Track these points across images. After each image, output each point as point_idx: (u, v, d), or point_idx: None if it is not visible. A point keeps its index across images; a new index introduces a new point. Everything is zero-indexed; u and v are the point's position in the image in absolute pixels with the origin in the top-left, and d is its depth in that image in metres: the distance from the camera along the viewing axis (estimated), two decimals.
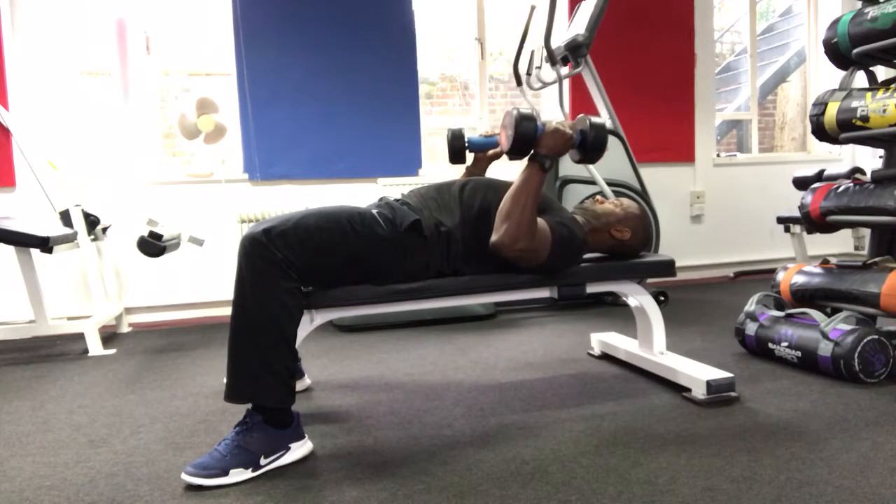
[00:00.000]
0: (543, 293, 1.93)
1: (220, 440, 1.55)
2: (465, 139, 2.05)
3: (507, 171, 3.24)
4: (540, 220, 1.77)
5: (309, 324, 1.73)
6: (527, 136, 1.71)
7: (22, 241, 2.67)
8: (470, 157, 2.13)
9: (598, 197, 2.11)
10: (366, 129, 3.80)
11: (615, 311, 3.28)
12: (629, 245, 2.02)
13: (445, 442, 1.65)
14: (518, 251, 1.73)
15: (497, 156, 2.12)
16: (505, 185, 1.91)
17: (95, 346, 2.82)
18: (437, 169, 4.11)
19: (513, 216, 1.70)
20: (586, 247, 1.94)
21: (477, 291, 1.86)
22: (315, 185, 3.76)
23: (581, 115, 1.85)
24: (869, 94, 2.17)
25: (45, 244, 2.67)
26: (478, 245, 1.79)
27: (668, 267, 2.04)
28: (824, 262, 2.41)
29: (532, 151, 1.76)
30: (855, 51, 2.25)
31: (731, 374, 1.89)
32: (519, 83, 3.57)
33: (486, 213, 1.81)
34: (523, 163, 1.80)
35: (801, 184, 3.28)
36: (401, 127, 3.87)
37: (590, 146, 1.80)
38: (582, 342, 2.65)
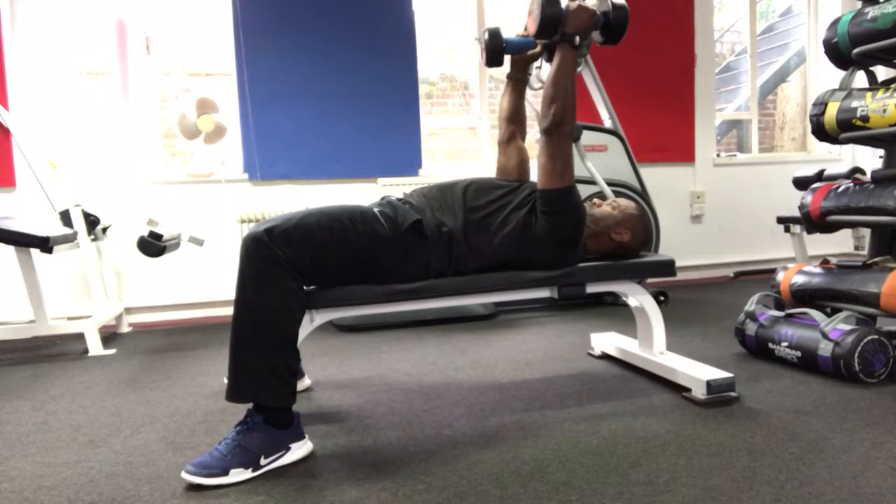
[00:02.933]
0: (543, 293, 1.93)
1: (220, 440, 1.55)
2: (503, 40, 2.02)
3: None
4: None
5: (309, 324, 1.72)
6: (552, 17, 1.77)
7: (22, 241, 2.67)
8: (507, 62, 2.10)
9: (596, 199, 2.10)
10: (366, 129, 3.80)
11: (615, 311, 3.28)
12: (629, 246, 2.02)
13: (445, 442, 1.65)
14: (563, 136, 1.78)
15: (535, 56, 2.09)
16: (508, 186, 1.91)
17: (95, 346, 2.82)
18: (437, 169, 4.12)
19: (558, 97, 1.77)
20: (584, 246, 1.94)
21: (477, 291, 1.85)
22: (315, 185, 3.76)
23: None
24: (869, 94, 2.17)
25: (45, 244, 2.67)
26: (480, 246, 1.79)
27: (668, 267, 2.04)
28: (824, 262, 2.41)
29: (559, 35, 1.79)
30: (855, 51, 2.25)
31: (731, 374, 1.89)
32: None
33: (489, 215, 1.81)
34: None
35: (801, 184, 3.28)
36: (401, 127, 3.87)
37: (612, 25, 1.85)
38: (582, 342, 2.65)
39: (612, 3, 1.85)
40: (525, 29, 1.99)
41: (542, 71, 3.45)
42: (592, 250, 2.00)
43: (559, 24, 1.78)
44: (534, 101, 3.83)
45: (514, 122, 2.16)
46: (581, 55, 1.84)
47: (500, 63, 2.06)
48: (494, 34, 2.00)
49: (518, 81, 2.16)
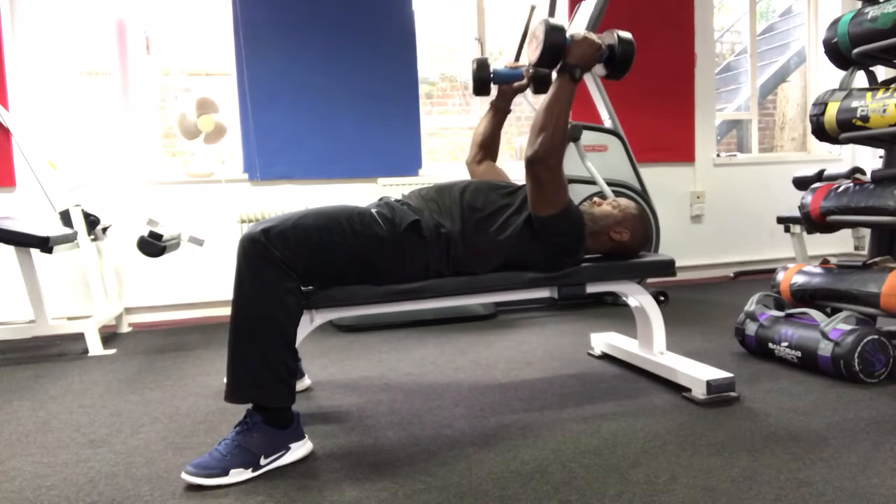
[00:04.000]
0: (543, 293, 1.93)
1: (220, 440, 1.55)
2: (491, 70, 2.02)
3: (508, 169, 3.22)
4: None
5: (309, 324, 1.72)
6: (556, 46, 1.70)
7: (22, 241, 2.67)
8: (494, 90, 2.11)
9: (596, 199, 2.10)
10: (366, 129, 3.80)
11: (615, 311, 3.28)
12: (629, 246, 2.01)
13: (445, 442, 1.65)
14: (549, 169, 1.73)
15: (522, 88, 2.09)
16: (506, 188, 1.91)
17: (95, 346, 2.82)
18: (437, 169, 4.12)
19: (547, 127, 1.70)
20: (586, 247, 1.94)
21: (477, 291, 1.85)
22: (315, 185, 3.76)
23: (608, 30, 1.84)
24: (869, 94, 2.17)
25: (45, 244, 2.67)
26: (478, 248, 1.79)
27: (668, 267, 2.04)
28: (824, 262, 2.41)
29: (561, 64, 1.74)
30: (855, 51, 2.25)
31: (731, 374, 1.89)
32: None
33: (488, 216, 1.81)
34: (545, 97, 1.78)
35: (801, 184, 3.28)
36: (401, 127, 3.87)
37: (617, 59, 1.79)
38: (582, 342, 2.65)
39: (618, 36, 1.78)
40: (516, 58, 1.98)
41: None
42: (592, 249, 2.00)
43: (562, 54, 1.73)
44: (533, 100, 3.83)
45: (488, 147, 2.17)
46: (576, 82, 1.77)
47: (486, 93, 2.08)
48: (482, 64, 2.01)
49: (500, 110, 2.16)
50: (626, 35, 1.79)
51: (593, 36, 1.75)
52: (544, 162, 1.71)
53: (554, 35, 1.69)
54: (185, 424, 1.86)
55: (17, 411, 2.04)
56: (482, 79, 2.01)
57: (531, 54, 1.76)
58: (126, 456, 1.63)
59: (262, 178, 3.67)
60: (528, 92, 2.18)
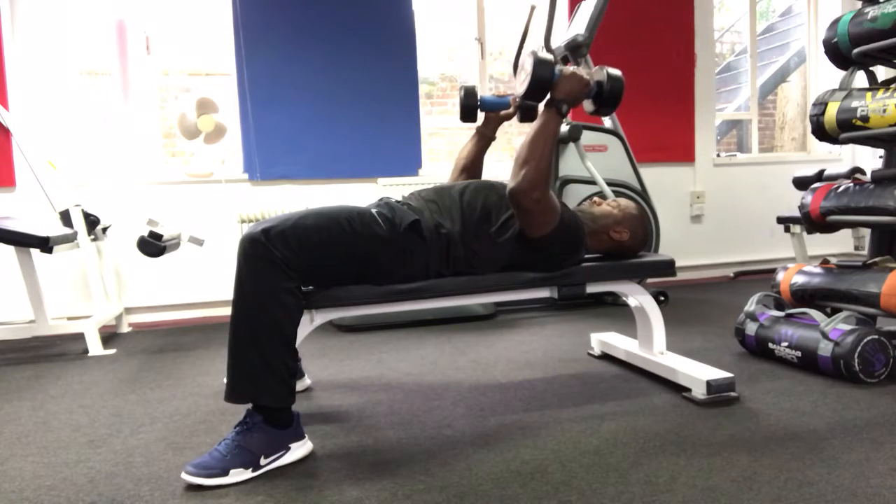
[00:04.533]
0: (543, 293, 1.93)
1: (220, 440, 1.55)
2: (478, 98, 2.02)
3: (497, 170, 3.23)
4: (550, 192, 1.77)
5: (309, 324, 1.72)
6: (544, 80, 1.68)
7: (22, 241, 2.67)
8: (481, 116, 2.11)
9: (596, 198, 2.10)
10: (366, 129, 3.80)
11: (615, 311, 3.28)
12: (628, 246, 2.02)
13: (445, 442, 1.65)
14: (533, 201, 1.71)
15: (508, 116, 2.09)
16: (506, 187, 1.91)
17: (95, 346, 2.82)
18: (437, 169, 4.11)
19: (530, 162, 1.69)
20: (585, 246, 1.94)
21: (477, 291, 1.86)
22: (315, 185, 3.76)
23: (598, 66, 1.83)
24: (869, 94, 2.17)
25: (45, 244, 2.67)
26: (478, 249, 1.79)
27: (668, 267, 2.04)
28: (824, 262, 2.41)
29: (548, 97, 1.72)
30: (855, 51, 2.25)
31: (731, 374, 1.89)
32: None
33: (487, 217, 1.81)
34: (531, 127, 1.77)
35: (801, 184, 3.27)
36: (401, 127, 3.87)
37: (606, 97, 1.77)
38: (582, 342, 2.65)
39: (607, 73, 1.77)
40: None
41: None
42: (592, 249, 2.01)
43: (550, 88, 1.71)
44: None
45: (470, 172, 2.16)
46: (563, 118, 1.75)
47: (473, 119, 2.07)
48: (470, 92, 2.01)
49: (485, 137, 2.14)
50: (616, 72, 1.78)
51: (582, 71, 1.74)
52: (527, 195, 1.71)
53: (542, 69, 1.67)
54: (185, 424, 1.86)
55: (17, 411, 2.04)
56: (469, 106, 2.02)
57: (518, 86, 1.75)
58: (126, 456, 1.63)
59: (262, 178, 3.67)
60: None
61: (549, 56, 1.69)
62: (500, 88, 5.79)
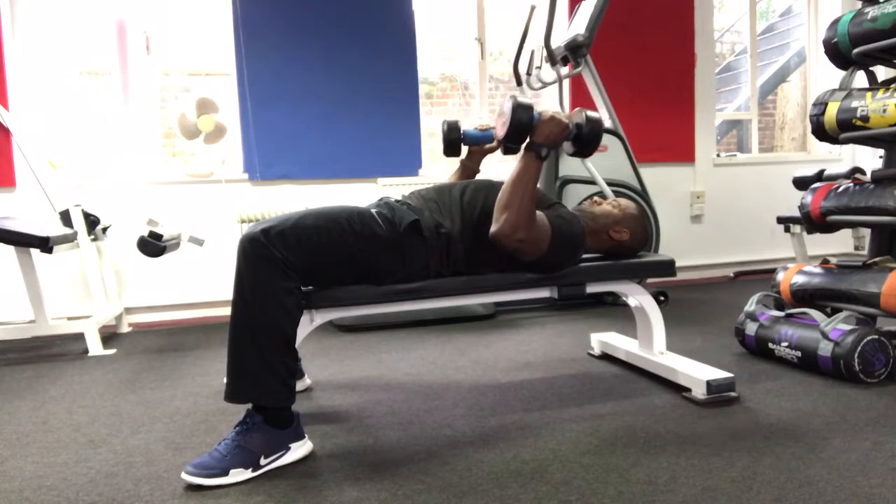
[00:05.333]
0: (543, 293, 1.93)
1: (220, 440, 1.55)
2: (461, 132, 2.04)
3: (501, 168, 3.24)
4: (539, 213, 1.77)
5: (309, 324, 1.73)
6: (522, 125, 1.69)
7: (22, 241, 2.67)
8: (464, 149, 2.13)
9: (597, 198, 2.11)
10: (366, 129, 3.80)
11: (615, 311, 3.28)
12: (628, 246, 2.02)
13: (445, 442, 1.65)
14: (518, 241, 1.72)
15: (492, 149, 2.11)
16: None
17: (95, 346, 2.82)
18: (437, 169, 4.12)
19: (511, 206, 1.69)
20: (585, 245, 1.94)
21: (477, 291, 1.86)
22: (315, 185, 3.76)
23: (577, 109, 1.84)
24: (869, 94, 2.17)
25: (45, 244, 2.67)
26: (479, 248, 1.79)
27: (668, 267, 2.04)
28: (824, 262, 2.41)
29: (528, 140, 1.74)
30: (855, 51, 2.25)
31: (731, 374, 1.89)
32: (519, 83, 3.57)
33: (487, 217, 1.80)
34: (516, 158, 1.78)
35: (801, 184, 3.28)
36: (401, 127, 3.87)
37: (584, 139, 1.80)
38: (582, 342, 2.65)
39: (586, 115, 1.79)
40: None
41: (542, 71, 3.47)
42: (591, 248, 2.01)
43: (529, 132, 1.72)
44: (533, 100, 3.81)
45: None
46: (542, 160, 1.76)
47: (457, 153, 2.09)
48: (453, 126, 2.02)
49: (469, 170, 2.16)
50: (594, 115, 1.80)
51: (561, 115, 1.74)
52: (510, 238, 1.71)
53: (521, 113, 1.68)
54: (185, 424, 1.86)
55: (17, 411, 2.04)
56: (453, 140, 2.03)
57: (499, 129, 1.76)
58: (126, 456, 1.63)
59: (262, 178, 3.67)
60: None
61: (528, 100, 1.71)
62: (501, 88, 5.79)
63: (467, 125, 2.10)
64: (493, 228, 1.72)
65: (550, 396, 1.98)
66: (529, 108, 1.70)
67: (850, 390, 1.91)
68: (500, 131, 1.74)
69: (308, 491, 1.40)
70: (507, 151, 2.00)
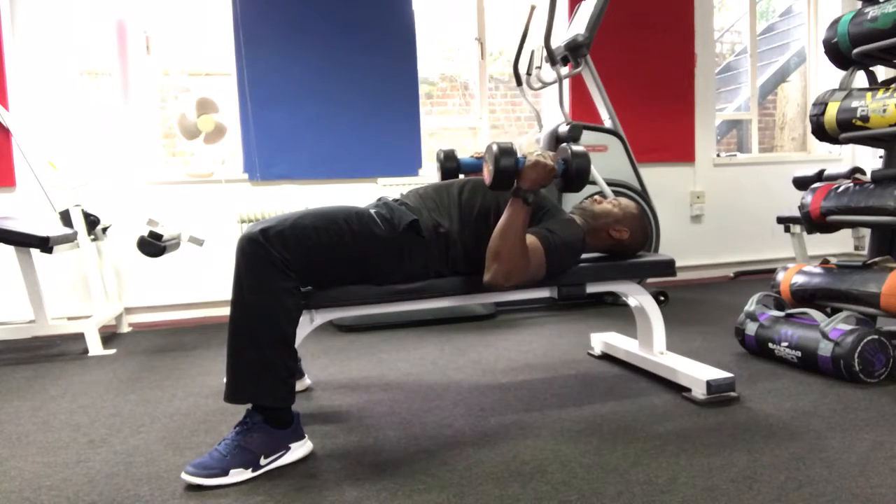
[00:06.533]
0: (543, 293, 1.93)
1: (220, 440, 1.55)
2: (458, 161, 2.04)
3: None
4: (529, 239, 1.75)
5: (309, 324, 1.73)
6: (507, 172, 1.69)
7: (22, 241, 2.67)
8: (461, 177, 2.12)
9: (597, 197, 2.11)
10: (366, 129, 3.80)
11: (615, 311, 3.28)
12: (628, 245, 2.02)
13: (445, 442, 1.65)
14: (511, 285, 1.75)
15: None
16: None
17: (95, 346, 2.82)
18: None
19: (502, 255, 1.70)
20: (585, 247, 1.94)
21: (477, 291, 1.85)
22: (315, 185, 3.76)
23: (562, 145, 1.84)
24: (869, 94, 2.17)
25: (45, 244, 2.67)
26: (478, 247, 1.79)
27: (668, 267, 2.04)
28: (824, 262, 2.41)
29: (514, 188, 1.72)
30: (855, 51, 2.25)
31: (731, 374, 1.89)
32: (519, 83, 3.57)
33: (486, 216, 1.80)
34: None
35: (801, 184, 3.28)
36: (401, 127, 3.87)
37: (573, 175, 1.79)
38: (582, 342, 2.65)
39: (571, 151, 1.78)
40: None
41: (542, 71, 3.47)
42: (591, 247, 2.01)
43: (513, 179, 1.71)
44: (533, 100, 3.82)
45: None
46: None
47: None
48: (449, 156, 2.01)
49: None
50: (580, 149, 1.79)
51: (546, 157, 1.72)
52: (502, 286, 1.73)
53: (504, 160, 1.67)
54: (185, 424, 1.86)
55: (17, 411, 2.04)
56: (449, 169, 2.02)
57: (486, 176, 1.75)
58: (126, 456, 1.63)
59: (262, 178, 3.67)
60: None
61: (510, 145, 1.70)
62: (501, 88, 5.79)
63: (461, 154, 2.09)
64: (485, 278, 1.73)
65: (550, 396, 1.98)
66: (512, 154, 1.68)
67: (850, 390, 1.91)
68: (487, 179, 1.74)
69: (308, 491, 1.40)
70: (496, 191, 2.01)
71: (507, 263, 1.70)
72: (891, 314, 2.07)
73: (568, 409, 1.86)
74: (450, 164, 2.01)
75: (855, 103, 2.18)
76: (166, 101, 4.57)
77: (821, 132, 2.32)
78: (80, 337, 2.88)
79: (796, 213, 2.79)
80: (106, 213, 3.34)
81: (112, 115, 3.68)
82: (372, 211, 1.73)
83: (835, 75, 4.02)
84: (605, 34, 3.48)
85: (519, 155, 1.70)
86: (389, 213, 1.73)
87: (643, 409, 1.83)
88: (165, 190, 3.59)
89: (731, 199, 4.49)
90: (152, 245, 2.77)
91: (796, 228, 3.60)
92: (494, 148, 1.68)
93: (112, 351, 2.86)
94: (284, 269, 1.53)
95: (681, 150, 4.37)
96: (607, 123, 3.52)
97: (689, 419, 1.73)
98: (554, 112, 3.84)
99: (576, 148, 1.79)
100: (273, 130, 3.67)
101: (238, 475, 1.46)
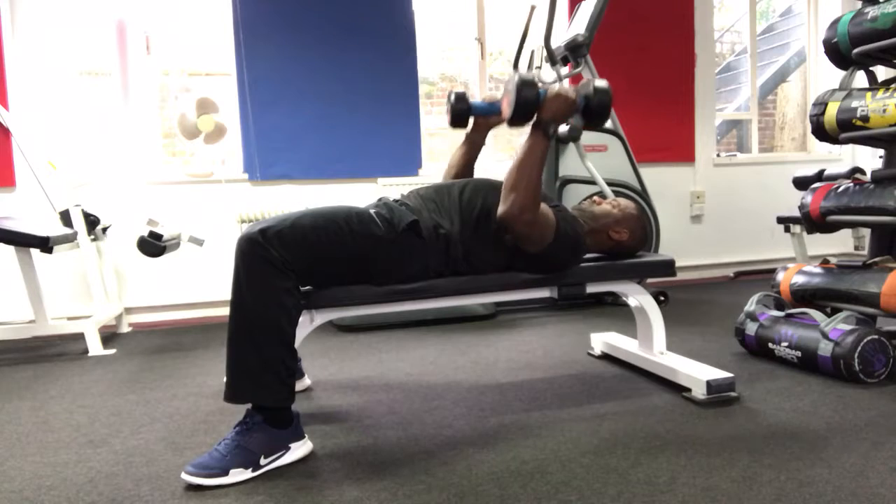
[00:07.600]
0: (543, 293, 1.93)
1: (220, 440, 1.55)
2: (469, 103, 2.00)
3: (497, 170, 3.22)
4: (543, 205, 1.75)
5: (309, 324, 1.73)
6: (529, 103, 1.66)
7: (22, 241, 2.67)
8: (470, 121, 2.08)
9: (596, 198, 2.10)
10: (366, 129, 3.80)
11: (615, 311, 3.28)
12: (627, 246, 2.02)
13: (445, 442, 1.65)
14: (525, 224, 1.71)
15: (498, 122, 2.06)
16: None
17: (95, 346, 2.82)
18: (437, 169, 4.11)
19: (520, 186, 1.68)
20: (585, 248, 1.94)
21: (477, 291, 1.85)
22: (315, 185, 3.76)
23: (584, 80, 1.80)
24: (869, 94, 2.17)
25: (45, 244, 2.67)
26: (478, 248, 1.79)
27: (668, 267, 2.04)
28: (824, 262, 2.41)
29: (535, 118, 1.70)
30: (855, 51, 2.26)
31: (731, 374, 1.89)
32: None
33: (487, 216, 1.80)
34: (525, 131, 1.75)
35: (801, 184, 3.27)
36: (401, 127, 3.87)
37: (594, 110, 1.74)
38: (582, 342, 2.65)
39: (594, 86, 1.73)
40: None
41: (542, 71, 3.47)
42: (591, 248, 2.00)
43: (534, 111, 1.68)
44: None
45: (461, 178, 2.11)
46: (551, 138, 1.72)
47: (464, 125, 2.05)
48: (461, 97, 1.98)
49: (475, 143, 2.12)
50: (602, 84, 1.74)
51: (567, 90, 1.70)
52: (518, 220, 1.70)
53: (526, 91, 1.64)
54: (185, 424, 1.86)
55: (17, 411, 2.04)
56: (461, 111, 1.98)
57: (504, 109, 1.72)
58: (126, 456, 1.63)
59: (262, 178, 3.67)
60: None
61: (532, 76, 1.67)
62: (498, 95, 5.78)
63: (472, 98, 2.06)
64: (500, 210, 1.71)
65: (550, 396, 1.98)
66: (534, 84, 1.66)
67: (850, 390, 1.91)
68: (507, 111, 1.70)
69: (308, 491, 1.40)
70: (512, 125, 1.99)
71: (524, 196, 1.67)
72: (891, 314, 2.07)
73: (568, 409, 1.86)
74: (461, 105, 1.97)
75: (855, 103, 2.18)
76: (166, 101, 4.57)
77: (821, 132, 2.32)
78: (80, 337, 2.88)
79: (796, 213, 2.79)
80: (106, 213, 3.34)
81: (112, 115, 3.68)
82: (372, 211, 1.72)
83: (835, 75, 4.02)
84: (605, 34, 3.48)
85: (540, 88, 1.67)
86: (389, 213, 1.73)
87: (643, 409, 1.83)
88: (165, 190, 3.59)
89: (731, 199, 4.49)
90: (152, 245, 2.77)
91: (796, 228, 3.60)
92: (517, 78, 1.65)
93: (112, 351, 2.86)
94: (284, 269, 1.53)
95: (681, 150, 4.37)
96: (607, 123, 3.51)
97: (690, 419, 1.73)
98: None
99: (598, 83, 1.74)
100: (273, 130, 3.67)
101: (238, 475, 1.46)
